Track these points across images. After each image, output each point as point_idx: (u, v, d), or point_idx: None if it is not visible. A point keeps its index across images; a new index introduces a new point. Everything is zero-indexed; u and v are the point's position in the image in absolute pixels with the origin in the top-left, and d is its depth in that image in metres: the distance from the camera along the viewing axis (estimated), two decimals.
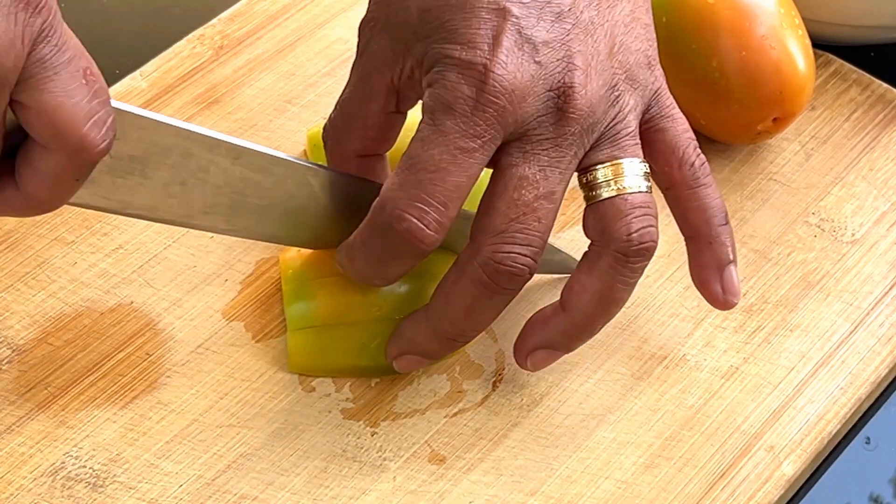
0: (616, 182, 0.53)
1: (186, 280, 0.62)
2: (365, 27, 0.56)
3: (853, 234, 0.65)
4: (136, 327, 0.61)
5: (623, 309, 0.62)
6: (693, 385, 0.60)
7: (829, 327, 0.62)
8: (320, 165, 0.57)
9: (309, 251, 0.59)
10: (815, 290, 0.63)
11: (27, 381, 0.59)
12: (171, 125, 0.51)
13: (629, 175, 0.53)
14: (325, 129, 0.58)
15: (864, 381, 0.60)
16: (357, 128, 0.56)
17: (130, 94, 0.69)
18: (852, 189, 0.67)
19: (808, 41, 0.65)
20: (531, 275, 0.53)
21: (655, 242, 0.54)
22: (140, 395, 0.59)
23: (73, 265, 0.62)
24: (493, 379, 0.60)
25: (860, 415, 0.61)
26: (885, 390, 0.62)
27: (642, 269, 0.54)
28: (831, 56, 0.72)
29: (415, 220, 0.51)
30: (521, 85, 0.51)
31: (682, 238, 0.64)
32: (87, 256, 0.63)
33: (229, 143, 0.53)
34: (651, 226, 0.53)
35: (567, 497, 0.57)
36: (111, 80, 0.69)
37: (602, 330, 0.61)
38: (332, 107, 0.58)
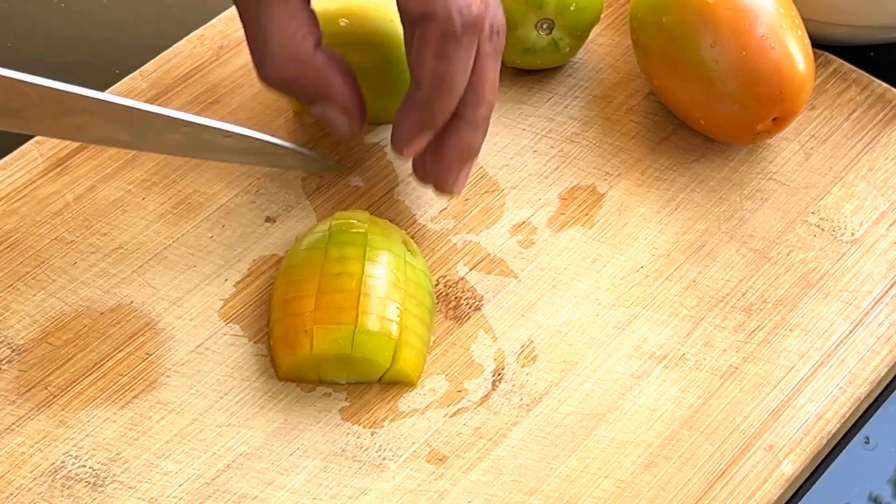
0: None
1: (186, 280, 0.62)
2: None
3: (853, 234, 0.65)
4: (135, 327, 0.61)
5: (623, 308, 0.62)
6: (692, 384, 0.60)
7: (829, 327, 0.62)
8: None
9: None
10: (814, 290, 0.63)
11: (27, 381, 0.59)
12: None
13: None
14: (267, 70, 0.59)
15: (863, 380, 0.60)
16: (298, 28, 0.58)
17: (130, 94, 0.69)
18: (852, 188, 0.67)
19: (807, 41, 0.65)
20: None
21: None
22: (140, 394, 0.59)
23: (73, 265, 0.63)
24: (493, 379, 0.60)
25: (859, 414, 0.61)
26: (884, 390, 0.62)
27: None
28: (831, 56, 0.72)
29: (475, 4, 0.57)
30: None
31: (682, 238, 0.65)
32: (87, 256, 0.63)
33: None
34: None
35: (566, 496, 0.57)
36: (111, 80, 0.69)
37: (602, 329, 0.61)
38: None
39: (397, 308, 0.58)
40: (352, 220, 0.61)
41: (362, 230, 0.60)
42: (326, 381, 0.59)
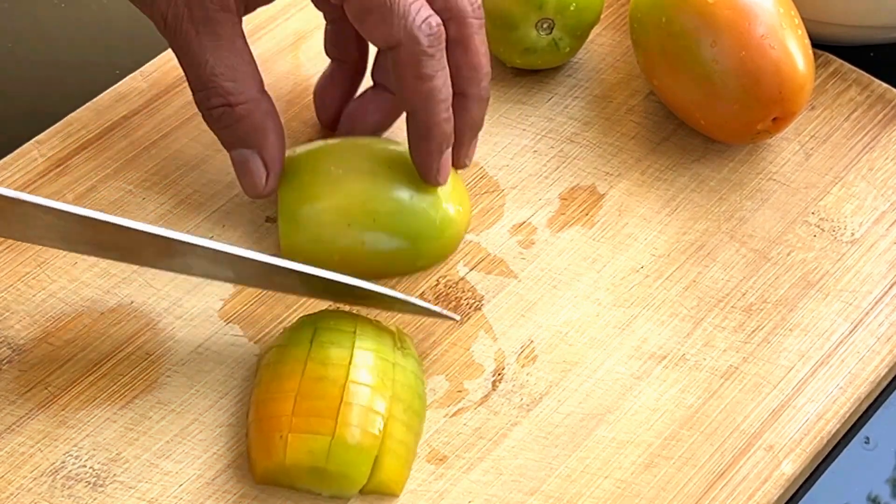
0: None
1: (186, 280, 0.62)
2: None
3: (853, 234, 0.65)
4: (136, 327, 0.61)
5: (623, 308, 0.62)
6: (692, 384, 0.60)
7: (829, 327, 0.62)
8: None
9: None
10: (814, 290, 0.63)
11: (27, 381, 0.59)
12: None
13: None
14: (212, 104, 0.60)
15: (863, 380, 0.60)
16: (247, 66, 0.60)
17: (130, 94, 0.69)
18: (852, 189, 0.67)
19: (807, 41, 0.65)
20: None
21: None
22: (140, 394, 0.59)
23: (74, 265, 0.62)
24: (493, 379, 0.60)
25: (859, 414, 0.61)
26: (884, 390, 0.62)
27: None
28: (831, 56, 0.72)
29: (431, 16, 0.58)
30: None
31: (682, 238, 0.65)
32: (88, 256, 0.63)
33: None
34: None
35: (566, 496, 0.57)
36: (111, 80, 0.69)
37: (602, 329, 0.61)
38: None
39: (381, 419, 0.55)
40: (340, 318, 0.58)
41: (350, 330, 0.57)
42: (303, 490, 0.56)
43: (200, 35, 0.59)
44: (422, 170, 0.61)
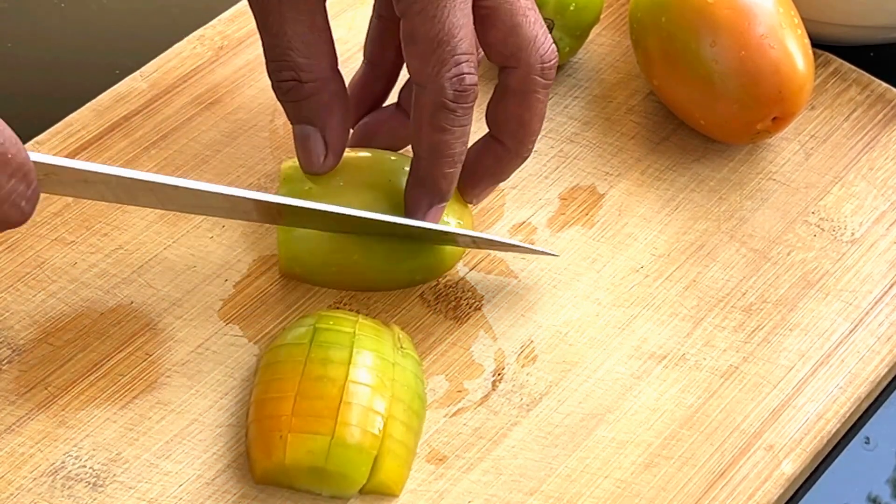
0: None
1: (186, 280, 0.62)
2: None
3: (853, 234, 0.65)
4: (136, 327, 0.61)
5: (623, 308, 0.62)
6: (692, 384, 0.60)
7: (829, 326, 0.62)
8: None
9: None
10: (814, 290, 0.63)
11: (27, 381, 0.59)
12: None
13: None
14: (282, 77, 0.58)
15: (863, 380, 0.60)
16: (323, 44, 0.59)
17: (130, 94, 0.69)
18: (852, 188, 0.67)
19: (807, 41, 0.65)
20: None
21: None
22: (140, 394, 0.59)
23: (73, 265, 0.63)
24: (493, 379, 0.60)
25: (860, 414, 0.61)
26: (884, 390, 0.62)
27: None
28: (831, 56, 0.72)
29: (468, 74, 0.56)
30: None
31: (682, 238, 0.65)
32: (87, 256, 0.63)
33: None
34: None
35: (566, 496, 0.57)
36: (111, 80, 0.69)
37: (602, 329, 0.61)
38: None
39: (381, 418, 0.55)
40: (339, 318, 0.58)
41: (349, 330, 0.57)
42: (302, 490, 0.56)
43: (282, 6, 0.57)
44: (407, 209, 0.59)
